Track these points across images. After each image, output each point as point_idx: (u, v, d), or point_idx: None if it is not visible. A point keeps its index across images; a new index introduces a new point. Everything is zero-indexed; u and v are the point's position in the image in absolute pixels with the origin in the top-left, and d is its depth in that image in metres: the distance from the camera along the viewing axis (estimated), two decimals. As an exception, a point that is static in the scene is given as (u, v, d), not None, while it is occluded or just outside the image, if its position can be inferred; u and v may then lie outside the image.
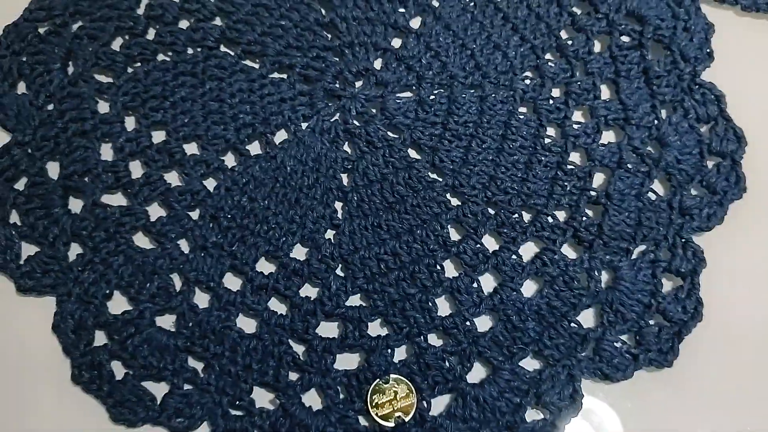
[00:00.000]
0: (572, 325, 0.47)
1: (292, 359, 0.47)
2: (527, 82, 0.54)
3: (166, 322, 0.48)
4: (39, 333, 0.48)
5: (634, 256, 0.49)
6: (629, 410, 0.47)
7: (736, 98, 0.53)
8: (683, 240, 0.49)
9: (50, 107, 0.52)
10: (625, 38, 0.55)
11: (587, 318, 0.48)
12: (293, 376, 0.47)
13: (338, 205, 0.51)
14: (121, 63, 0.53)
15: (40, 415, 0.46)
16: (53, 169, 0.51)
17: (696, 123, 0.52)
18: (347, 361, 0.47)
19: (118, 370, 0.47)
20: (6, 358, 0.47)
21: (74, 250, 0.49)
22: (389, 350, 0.47)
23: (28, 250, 0.49)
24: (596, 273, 0.48)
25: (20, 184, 0.51)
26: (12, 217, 0.50)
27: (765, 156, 0.52)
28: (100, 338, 0.47)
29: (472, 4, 0.56)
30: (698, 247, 0.49)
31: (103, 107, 0.53)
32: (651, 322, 0.48)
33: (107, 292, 0.48)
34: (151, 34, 0.55)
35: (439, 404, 0.47)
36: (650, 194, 0.51)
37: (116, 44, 0.55)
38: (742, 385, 0.47)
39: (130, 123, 0.53)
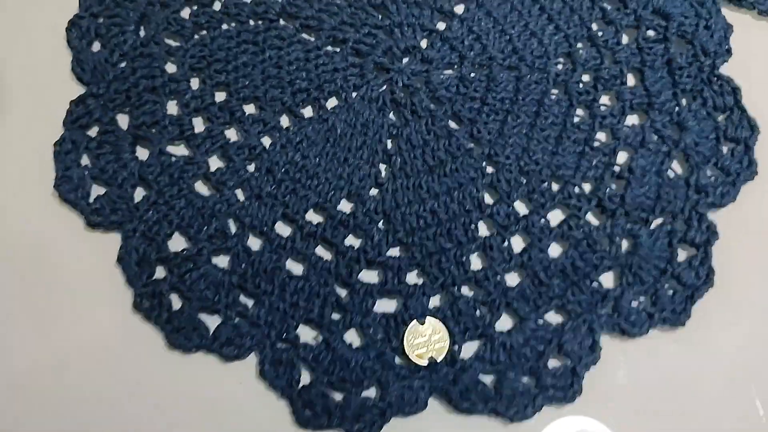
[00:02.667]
0: (594, 284, 0.50)
1: (335, 300, 0.49)
2: (560, 66, 0.56)
3: (221, 261, 0.50)
4: (104, 265, 0.50)
5: (652, 227, 0.51)
6: (644, 366, 0.48)
7: (752, 92, 0.55)
8: (698, 214, 0.51)
9: (123, 65, 0.55)
10: (651, 32, 0.57)
11: (608, 279, 0.50)
12: (336, 315, 0.49)
13: (382, 166, 0.53)
14: (189, 30, 0.56)
15: (103, 340, 0.48)
16: (123, 121, 0.53)
17: (713, 111, 0.55)
18: (386, 306, 0.49)
19: (176, 302, 0.49)
20: (74, 287, 0.49)
21: (140, 193, 0.51)
22: (425, 297, 0.49)
23: (97, 191, 0.51)
24: (617, 239, 0.51)
25: (92, 132, 0.53)
26: (84, 161, 0.52)
27: (775, 144, 0.54)
28: (160, 273, 0.49)
29: (511, -6, 0.58)
30: (712, 222, 0.51)
31: (171, 68, 0.55)
32: (666, 285, 0.50)
33: (168, 231, 0.50)
34: (217, 6, 0.57)
35: (468, 349, 0.48)
36: (669, 172, 0.53)
37: (185, 13, 0.57)
38: (747, 345, 0.49)
39: (194, 83, 0.55)
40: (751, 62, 0.57)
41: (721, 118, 0.55)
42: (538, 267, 0.50)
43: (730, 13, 0.58)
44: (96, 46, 0.56)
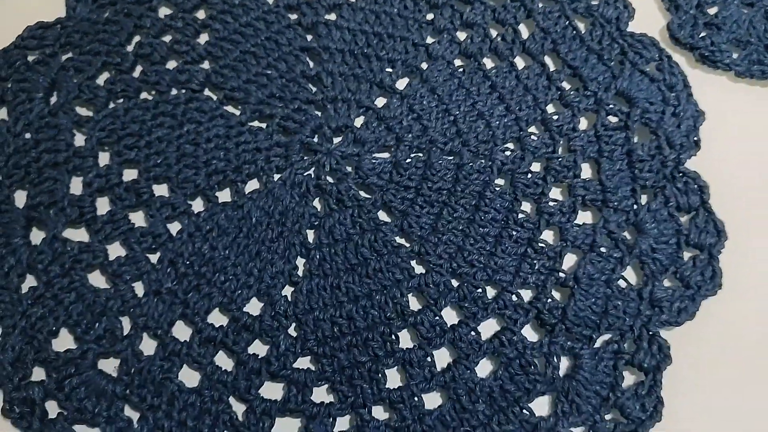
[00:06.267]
0: (524, 411, 0.43)
1: (229, 419, 0.43)
2: (507, 153, 0.50)
3: (109, 365, 0.44)
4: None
5: (597, 345, 0.45)
6: None
7: (721, 186, 0.48)
8: (650, 333, 0.44)
9: (27, 136, 0.49)
10: (612, 118, 0.51)
11: (541, 405, 0.43)
12: (228, 436, 0.42)
13: (300, 261, 0.47)
14: (103, 98, 0.50)
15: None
16: (21, 199, 0.48)
17: (676, 212, 0.48)
18: (286, 426, 0.43)
19: (52, 410, 0.43)
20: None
21: (29, 282, 0.46)
22: (330, 419, 0.43)
23: (-17, 277, 0.46)
24: (555, 359, 0.44)
25: (-15, 210, 0.47)
26: (-28, 243, 0.46)
27: (744, 252, 0.47)
28: (39, 376, 0.43)
29: (461, 69, 0.52)
30: (664, 342, 0.44)
31: (80, 140, 0.49)
32: (607, 416, 0.43)
33: (53, 328, 0.44)
34: (137, 72, 0.52)
35: (376, 481, 0.42)
36: (620, 282, 0.46)
37: (102, 79, 0.51)
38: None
39: (103, 159, 0.49)
40: (720, 152, 0.50)
41: (684, 219, 0.48)
42: (463, 389, 0.43)
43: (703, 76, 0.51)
44: (1, 113, 0.50)
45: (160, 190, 0.49)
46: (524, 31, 0.54)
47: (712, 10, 0.54)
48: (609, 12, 0.54)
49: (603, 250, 0.47)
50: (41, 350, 0.44)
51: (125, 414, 0.43)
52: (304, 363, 0.45)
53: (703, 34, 0.53)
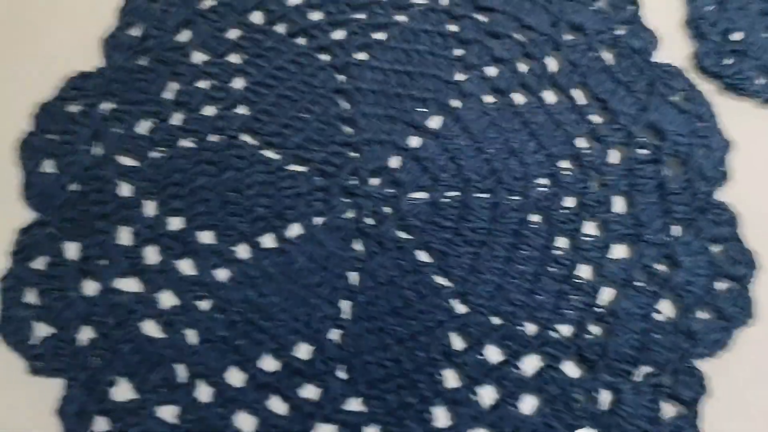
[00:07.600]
0: (569, 448, 0.44)
1: (286, 463, 0.44)
2: (541, 189, 0.51)
3: (168, 413, 0.45)
4: (37, 415, 0.45)
5: (636, 379, 0.46)
6: None
7: (750, 215, 0.49)
8: (687, 365, 0.46)
9: (74, 187, 0.51)
10: (642, 151, 0.52)
11: (585, 439, 0.45)
12: (287, 481, 0.44)
13: (347, 303, 0.48)
14: (144, 147, 0.52)
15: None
16: (71, 251, 0.49)
17: (708, 243, 0.49)
18: (341, 468, 0.45)
19: (117, 460, 0.44)
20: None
21: (86, 334, 0.47)
22: (383, 460, 0.44)
23: (44, 329, 0.47)
24: (597, 394, 0.45)
25: (38, 263, 0.49)
26: (29, 297, 0.48)
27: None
28: (102, 426, 0.45)
29: (492, 106, 0.53)
30: (701, 374, 0.46)
31: (126, 191, 0.51)
32: (649, 450, 0.44)
33: (112, 379, 0.46)
34: (175, 120, 0.53)
35: None
36: (656, 315, 0.47)
37: (142, 128, 0.53)
38: None
39: (148, 208, 0.50)
40: (747, 180, 0.51)
41: (716, 250, 0.49)
42: (508, 427, 0.45)
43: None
44: (49, 166, 0.51)
45: (206, 237, 0.50)
46: (552, 65, 0.55)
47: (737, 36, 0.55)
48: (635, 42, 0.55)
49: (639, 284, 0.48)
50: (103, 401, 0.45)
51: (187, 462, 0.44)
52: (354, 404, 0.46)
53: (729, 62, 0.54)
